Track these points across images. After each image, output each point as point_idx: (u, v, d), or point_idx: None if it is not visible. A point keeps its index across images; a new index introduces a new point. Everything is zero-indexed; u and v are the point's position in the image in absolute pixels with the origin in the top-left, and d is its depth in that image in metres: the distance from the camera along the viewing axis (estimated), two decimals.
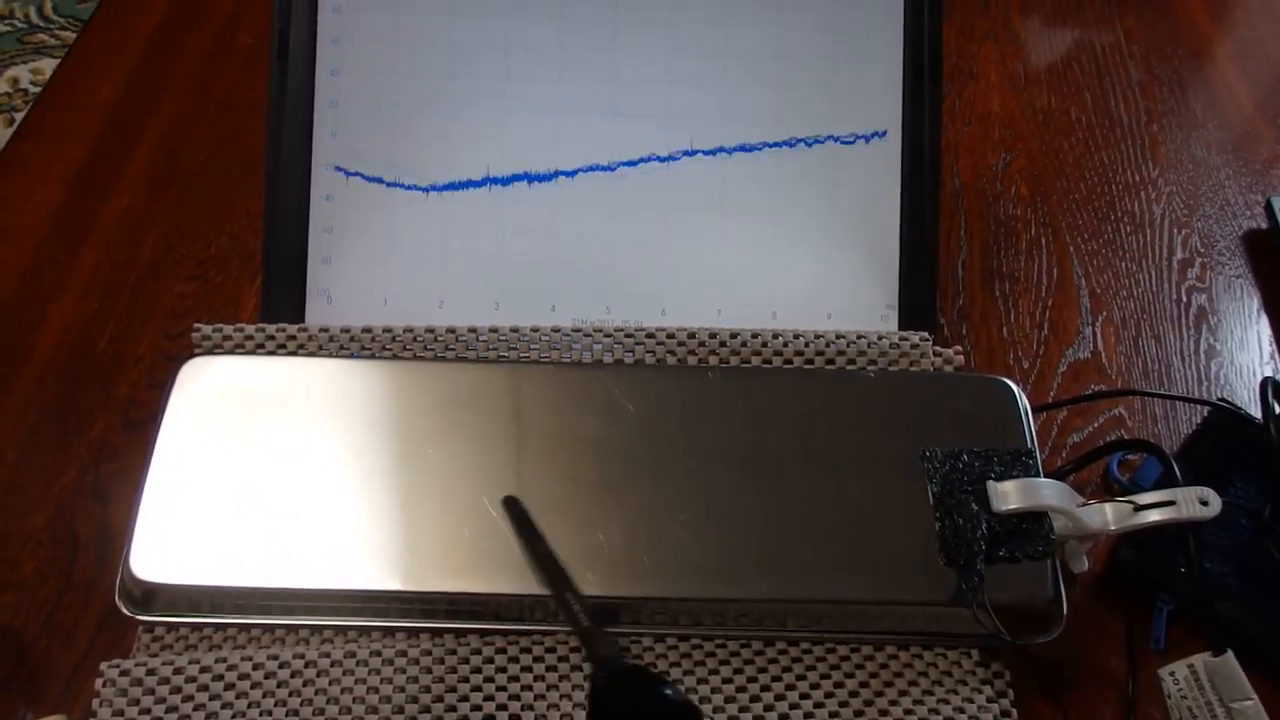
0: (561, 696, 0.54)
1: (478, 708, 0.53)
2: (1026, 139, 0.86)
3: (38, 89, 1.06)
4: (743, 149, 0.68)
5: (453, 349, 0.65)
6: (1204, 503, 0.55)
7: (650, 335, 0.65)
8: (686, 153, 0.68)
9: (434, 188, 0.68)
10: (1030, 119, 0.88)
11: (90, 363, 0.69)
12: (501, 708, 0.53)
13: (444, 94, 0.68)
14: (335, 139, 0.67)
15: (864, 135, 0.68)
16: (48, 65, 1.12)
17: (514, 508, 0.56)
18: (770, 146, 0.68)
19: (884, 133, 0.68)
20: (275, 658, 0.54)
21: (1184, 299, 0.76)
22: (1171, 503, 0.55)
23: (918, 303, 0.68)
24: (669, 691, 0.50)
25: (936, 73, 0.68)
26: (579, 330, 0.65)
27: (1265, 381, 0.62)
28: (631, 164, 0.68)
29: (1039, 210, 0.81)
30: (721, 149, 0.68)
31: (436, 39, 0.67)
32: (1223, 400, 0.69)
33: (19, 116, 1.01)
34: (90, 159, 0.81)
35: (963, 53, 0.93)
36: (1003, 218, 0.80)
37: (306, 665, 0.54)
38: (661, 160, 0.68)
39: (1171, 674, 0.56)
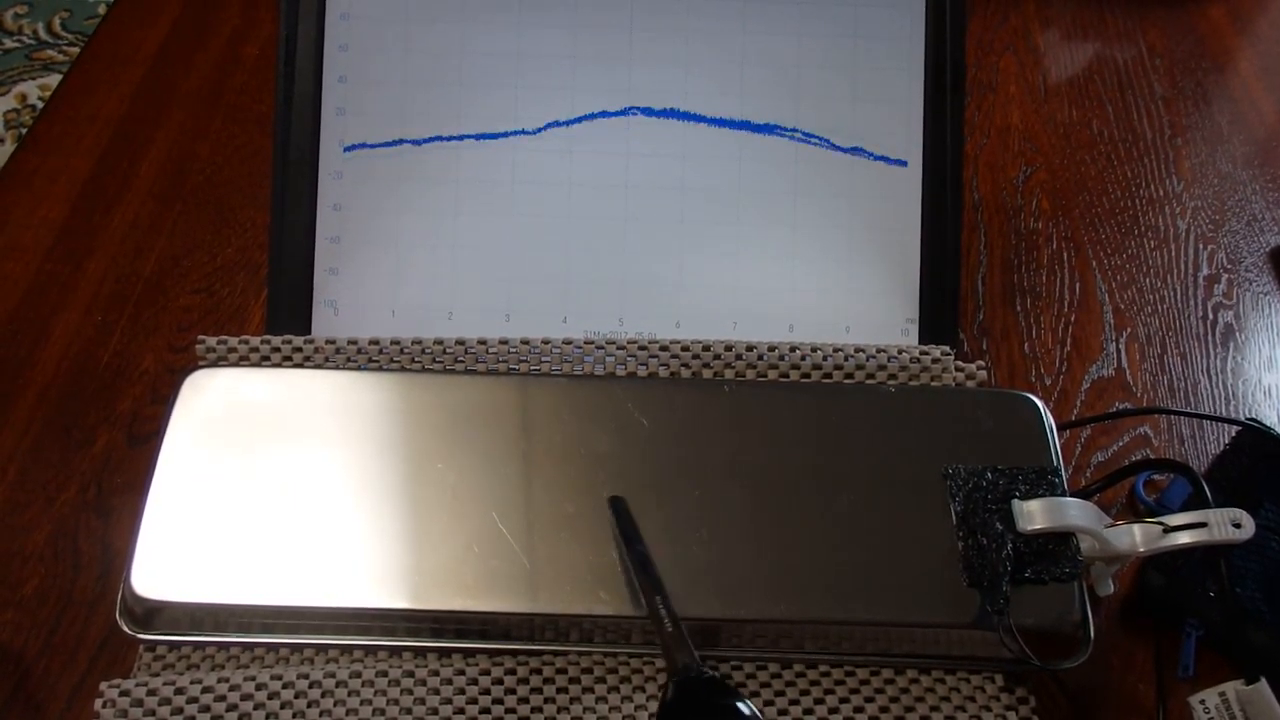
0: (573, 719, 0.52)
1: None
2: (1047, 152, 0.85)
3: None
4: (756, 143, 0.67)
5: (462, 361, 0.64)
6: (1237, 525, 0.53)
7: (664, 348, 0.64)
8: (702, 163, 0.67)
9: (443, 197, 0.67)
10: (1051, 132, 0.87)
11: (93, 377, 0.69)
12: None
13: (453, 102, 0.67)
14: (343, 147, 0.67)
15: (886, 157, 0.67)
16: (55, 81, 1.12)
17: (619, 507, 0.56)
18: (790, 157, 0.67)
19: (904, 162, 0.67)
20: (279, 678, 0.53)
21: (1210, 316, 0.75)
22: (1203, 524, 0.54)
23: (939, 317, 0.67)
24: (743, 707, 0.48)
25: (959, 85, 0.67)
26: (591, 342, 0.65)
27: None
28: (646, 173, 0.67)
29: (1061, 224, 0.80)
30: (739, 157, 0.67)
31: (447, 46, 0.67)
32: (1252, 420, 0.67)
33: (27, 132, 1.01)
34: (95, 172, 0.81)
35: (982, 64, 0.92)
36: (1024, 231, 0.79)
37: (311, 686, 0.53)
38: (676, 169, 0.67)
39: (1202, 702, 0.54)
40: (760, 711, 0.52)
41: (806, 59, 0.67)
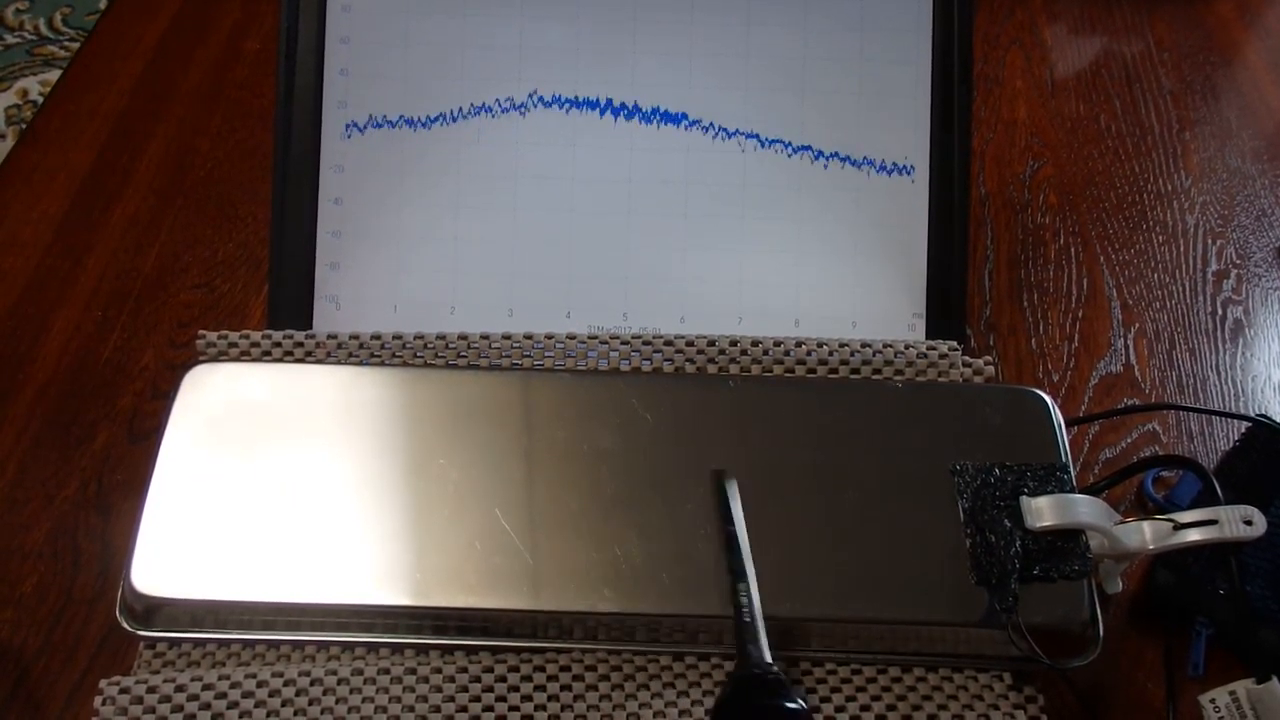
0: (576, 717, 0.52)
1: None
2: (1054, 147, 0.84)
3: None
4: (761, 137, 0.66)
5: (464, 357, 0.63)
6: (1248, 522, 0.53)
7: (669, 343, 0.64)
8: (706, 156, 0.66)
9: (445, 190, 0.66)
10: (1058, 127, 0.86)
11: (93, 373, 0.68)
12: None
13: (455, 95, 0.67)
14: (344, 141, 0.66)
15: (891, 165, 0.66)
16: (57, 77, 1.12)
17: (721, 487, 0.56)
18: (795, 150, 0.66)
19: (911, 166, 0.67)
20: (280, 675, 0.53)
21: (1219, 311, 0.74)
22: (1213, 522, 0.53)
23: (945, 312, 0.66)
24: (797, 706, 0.49)
25: (967, 78, 0.67)
26: (595, 337, 0.64)
27: None
28: (649, 167, 0.67)
29: (1068, 220, 0.79)
30: (744, 150, 0.66)
31: (448, 39, 0.66)
32: (1262, 416, 0.67)
33: None
34: (95, 167, 0.80)
35: (988, 59, 0.91)
36: (1031, 227, 0.79)
37: (313, 683, 0.52)
38: (680, 163, 0.67)
39: (1212, 701, 0.54)
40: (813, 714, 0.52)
41: (812, 52, 0.67)
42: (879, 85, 0.67)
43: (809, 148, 0.66)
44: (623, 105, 0.67)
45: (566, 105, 0.67)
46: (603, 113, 0.66)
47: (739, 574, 0.53)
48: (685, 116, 0.67)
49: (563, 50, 0.67)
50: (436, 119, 0.66)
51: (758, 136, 0.67)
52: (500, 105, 0.67)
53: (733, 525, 0.54)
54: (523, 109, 0.67)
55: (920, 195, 0.67)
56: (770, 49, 0.67)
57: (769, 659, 0.50)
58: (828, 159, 0.66)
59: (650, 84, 0.67)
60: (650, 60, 0.67)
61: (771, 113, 0.67)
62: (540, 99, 0.67)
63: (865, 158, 0.66)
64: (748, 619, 0.51)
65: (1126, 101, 0.89)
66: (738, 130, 0.67)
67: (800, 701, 0.49)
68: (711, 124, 0.67)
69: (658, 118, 0.66)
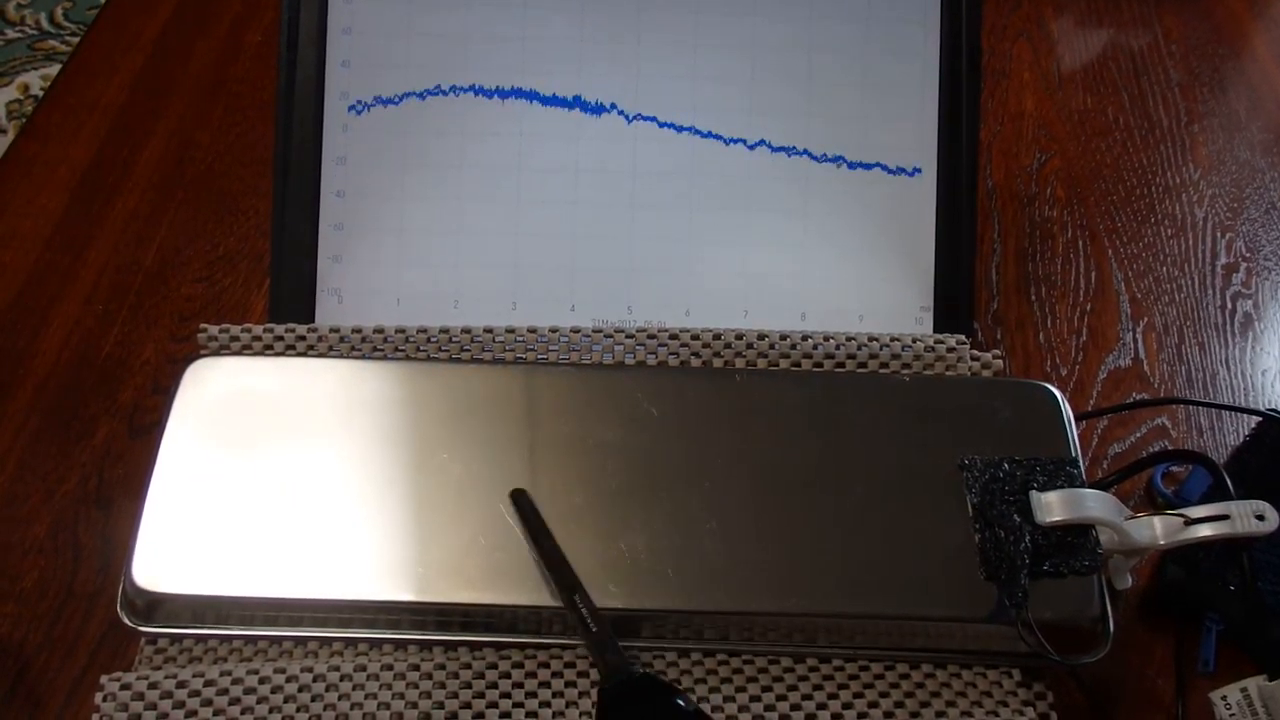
0: (581, 714, 0.52)
1: None
2: (1062, 140, 0.84)
3: None
4: (769, 146, 0.66)
5: (468, 350, 0.63)
6: (1260, 517, 0.52)
7: (674, 336, 0.63)
8: (712, 147, 0.66)
9: (448, 182, 0.66)
10: (1065, 119, 0.86)
11: (94, 368, 0.68)
12: None
13: (459, 88, 0.66)
14: (346, 133, 0.66)
15: (898, 159, 0.66)
16: (58, 71, 1.12)
17: (522, 502, 0.55)
18: (799, 153, 0.66)
19: (918, 163, 0.66)
20: (282, 671, 0.52)
21: (1229, 305, 0.74)
22: (1225, 517, 0.53)
23: (953, 306, 0.66)
24: (681, 702, 0.48)
25: (975, 70, 0.66)
26: (599, 331, 0.64)
27: None
28: (654, 159, 0.66)
29: (1076, 213, 0.79)
30: (749, 143, 0.66)
31: (450, 30, 0.66)
32: (1272, 410, 0.66)
33: None
34: (96, 161, 0.80)
35: (995, 51, 0.91)
36: (1038, 220, 0.78)
37: (315, 679, 0.52)
38: (686, 156, 0.66)
39: (1223, 698, 0.54)
40: (698, 705, 0.51)
41: (819, 42, 0.66)
42: (886, 79, 0.66)
43: (810, 151, 0.66)
44: (627, 98, 0.66)
45: (571, 103, 0.66)
46: (606, 105, 0.66)
47: (572, 586, 0.51)
48: (689, 109, 0.66)
49: (566, 45, 0.66)
50: (439, 111, 0.66)
51: (766, 143, 0.66)
52: (503, 97, 0.66)
53: (553, 542, 0.53)
54: (526, 101, 0.66)
55: (927, 189, 0.66)
56: (774, 43, 0.66)
57: (628, 660, 0.49)
58: (834, 161, 0.66)
59: (654, 76, 0.66)
60: (654, 52, 0.66)
61: (776, 104, 0.66)
62: (544, 90, 0.66)
63: (873, 152, 0.66)
64: (594, 628, 0.50)
65: (1134, 94, 0.88)
66: (742, 123, 0.66)
67: (679, 694, 0.49)
68: (716, 117, 0.66)
69: (662, 110, 0.66)
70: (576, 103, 0.66)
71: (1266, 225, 0.79)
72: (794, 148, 0.66)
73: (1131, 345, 0.71)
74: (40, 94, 1.19)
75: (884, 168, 0.66)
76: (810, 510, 0.56)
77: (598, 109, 0.66)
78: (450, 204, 0.66)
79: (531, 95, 0.66)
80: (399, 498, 0.56)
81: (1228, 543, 0.53)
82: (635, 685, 0.49)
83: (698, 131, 0.66)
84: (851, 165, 0.66)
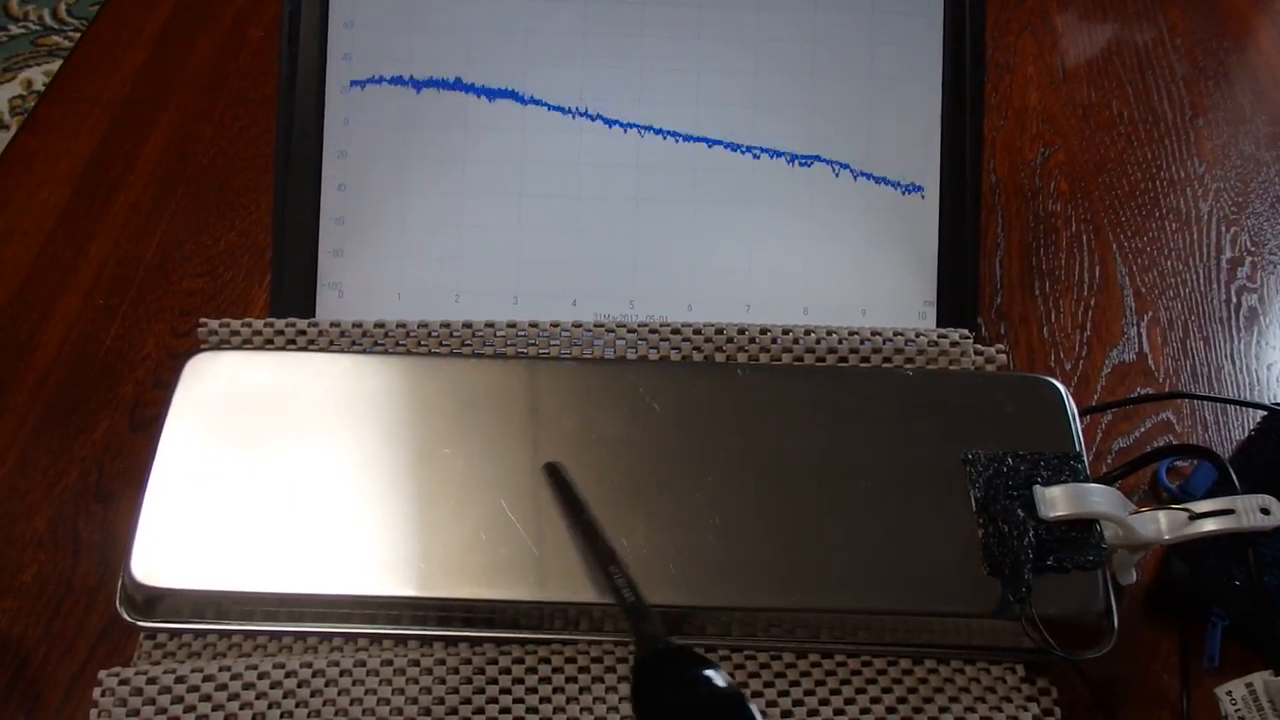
0: (582, 709, 0.52)
1: None
2: (1066, 134, 0.84)
3: None
4: (772, 144, 0.66)
5: (469, 345, 0.63)
6: (1265, 511, 0.52)
7: (676, 331, 0.63)
8: (715, 142, 0.66)
9: (450, 176, 0.66)
10: (1070, 113, 0.85)
11: (95, 362, 0.68)
12: None
13: (461, 81, 0.66)
14: (348, 126, 0.66)
15: (901, 154, 0.66)
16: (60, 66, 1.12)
17: (556, 475, 0.55)
18: (804, 158, 0.66)
19: (921, 161, 0.66)
20: (282, 666, 0.52)
21: (1234, 299, 0.73)
22: (1230, 511, 0.52)
23: (957, 300, 0.66)
24: (715, 675, 0.47)
25: (979, 63, 0.66)
26: (601, 326, 0.64)
27: None
28: (657, 153, 0.66)
29: (1080, 207, 0.78)
30: (752, 139, 0.66)
31: (453, 24, 0.66)
32: (1278, 405, 0.66)
33: None
34: (97, 155, 0.80)
35: (999, 45, 0.91)
36: (1042, 214, 0.78)
37: (315, 675, 0.52)
38: (689, 150, 0.66)
39: (1229, 693, 0.53)
40: (741, 689, 0.50)
41: (823, 38, 0.66)
42: (890, 75, 0.66)
43: (814, 146, 0.66)
44: (630, 93, 0.66)
45: (573, 92, 0.66)
46: (610, 101, 0.66)
47: (609, 558, 0.51)
48: (693, 105, 0.66)
49: (569, 40, 0.66)
50: (441, 105, 0.66)
51: (769, 140, 0.66)
52: (506, 91, 0.66)
53: (585, 512, 0.53)
54: (528, 96, 0.66)
55: (931, 183, 0.66)
56: (779, 38, 0.66)
57: (666, 633, 0.49)
58: (839, 166, 0.66)
59: (657, 71, 0.66)
60: (658, 48, 0.66)
61: (780, 100, 0.66)
62: (547, 84, 0.66)
63: (876, 146, 0.66)
64: (631, 599, 0.49)
65: (1139, 88, 0.88)
66: (746, 119, 0.66)
67: (714, 668, 0.47)
68: (719, 113, 0.66)
69: (665, 105, 0.66)
70: (579, 97, 0.66)
71: (1272, 219, 0.78)
72: (797, 144, 0.66)
73: (1136, 340, 0.71)
74: (43, 89, 1.19)
75: (885, 156, 0.66)
76: (813, 506, 0.56)
77: (600, 104, 0.66)
78: (452, 198, 0.66)
79: (534, 89, 0.66)
80: (400, 492, 0.55)
81: (1233, 537, 0.53)
82: (673, 656, 0.48)
83: (701, 132, 0.66)
84: (856, 164, 0.66)
